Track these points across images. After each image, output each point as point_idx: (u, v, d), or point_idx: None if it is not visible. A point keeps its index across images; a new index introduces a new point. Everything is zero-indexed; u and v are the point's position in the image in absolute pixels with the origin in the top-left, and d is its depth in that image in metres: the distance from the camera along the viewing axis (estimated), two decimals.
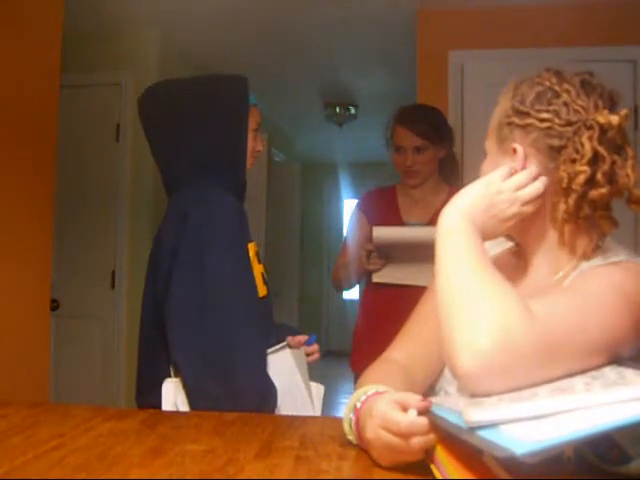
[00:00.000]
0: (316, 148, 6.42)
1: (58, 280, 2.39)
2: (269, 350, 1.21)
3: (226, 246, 1.16)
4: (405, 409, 0.64)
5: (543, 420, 0.51)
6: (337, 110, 4.60)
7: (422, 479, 0.62)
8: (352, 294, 7.36)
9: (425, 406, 0.62)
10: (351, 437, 0.73)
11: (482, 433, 0.52)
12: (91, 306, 3.00)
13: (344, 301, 7.33)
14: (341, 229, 7.42)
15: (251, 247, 1.24)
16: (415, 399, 0.64)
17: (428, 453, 0.62)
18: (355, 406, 0.73)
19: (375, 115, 4.84)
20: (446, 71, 2.70)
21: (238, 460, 0.68)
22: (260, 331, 1.15)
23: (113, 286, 2.98)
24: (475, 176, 0.87)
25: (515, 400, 0.55)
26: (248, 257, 1.21)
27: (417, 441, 0.61)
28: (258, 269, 1.27)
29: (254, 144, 1.37)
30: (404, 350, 0.94)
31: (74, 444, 0.72)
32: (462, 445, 0.56)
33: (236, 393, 1.03)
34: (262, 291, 1.26)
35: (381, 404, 0.66)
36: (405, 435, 0.61)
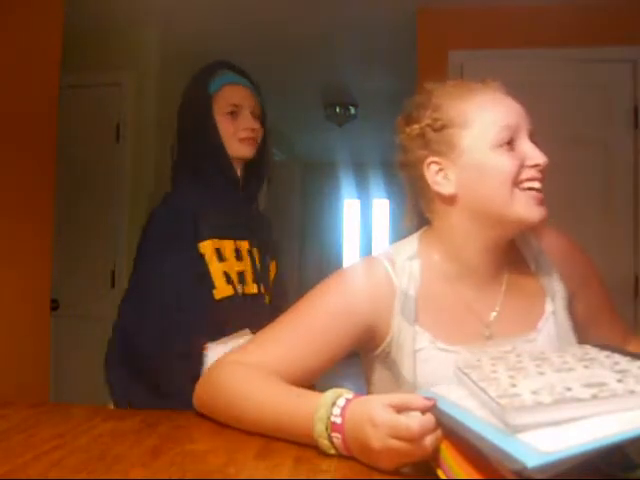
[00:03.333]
0: (316, 148, 6.42)
1: (58, 280, 2.39)
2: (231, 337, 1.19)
3: (159, 248, 1.18)
4: (400, 411, 0.62)
5: (561, 427, 0.50)
6: (337, 110, 4.60)
7: (423, 479, 0.62)
8: None
9: (432, 405, 0.61)
10: (332, 451, 0.68)
11: (494, 438, 0.50)
12: (91, 306, 2.99)
13: None
14: (341, 229, 7.43)
15: (207, 245, 1.21)
16: (418, 399, 0.63)
17: (434, 454, 0.61)
18: (334, 422, 0.67)
19: (375, 115, 4.86)
20: (446, 71, 2.70)
21: (238, 460, 0.68)
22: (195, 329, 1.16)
23: (113, 286, 2.98)
24: None
25: (554, 398, 0.52)
26: (193, 256, 1.19)
27: (430, 441, 0.60)
28: (219, 267, 1.22)
29: (233, 126, 1.30)
30: (281, 358, 0.85)
31: (74, 444, 0.72)
32: (467, 442, 0.55)
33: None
34: (224, 291, 1.22)
35: (380, 412, 0.63)
36: (418, 438, 0.60)
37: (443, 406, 0.61)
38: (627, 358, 0.62)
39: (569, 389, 0.53)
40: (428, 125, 0.89)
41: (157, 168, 3.10)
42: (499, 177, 0.83)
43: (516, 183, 0.83)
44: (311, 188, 6.81)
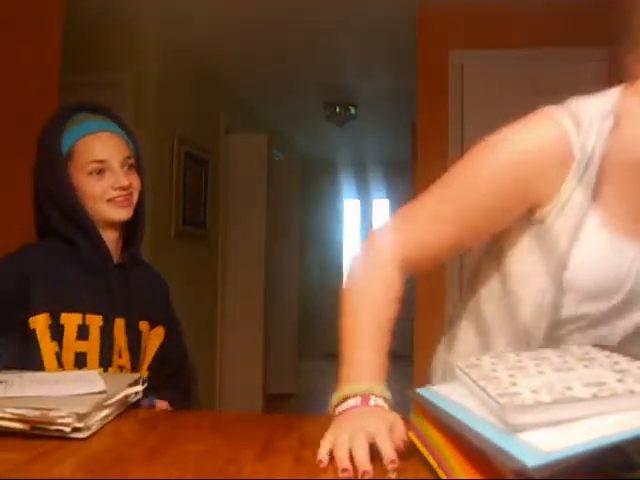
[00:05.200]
0: (316, 148, 6.43)
1: None
2: None
3: None
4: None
5: (561, 427, 0.50)
6: (337, 110, 4.61)
7: (423, 479, 0.62)
8: None
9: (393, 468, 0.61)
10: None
11: (494, 437, 0.50)
12: None
13: None
14: (341, 229, 7.44)
15: (40, 319, 1.05)
16: (390, 454, 0.61)
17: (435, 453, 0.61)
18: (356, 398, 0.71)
19: (375, 115, 4.87)
20: (446, 71, 2.70)
21: (238, 460, 0.68)
22: None
23: None
24: None
25: (554, 397, 0.52)
26: (18, 334, 1.04)
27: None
28: (51, 347, 1.05)
29: (100, 186, 1.11)
30: (424, 236, 0.82)
31: (74, 444, 0.72)
32: (467, 442, 0.55)
33: None
34: None
35: (380, 430, 0.64)
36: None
37: (443, 405, 0.61)
38: (627, 358, 0.62)
39: (569, 388, 0.53)
40: None
41: (157, 168, 3.10)
42: None
43: None
44: (311, 188, 6.81)
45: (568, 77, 2.62)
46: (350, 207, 7.51)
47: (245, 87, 4.16)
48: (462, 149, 2.63)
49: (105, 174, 1.11)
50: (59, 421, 0.73)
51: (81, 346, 1.08)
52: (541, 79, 2.62)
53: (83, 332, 1.08)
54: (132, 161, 1.16)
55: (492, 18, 2.70)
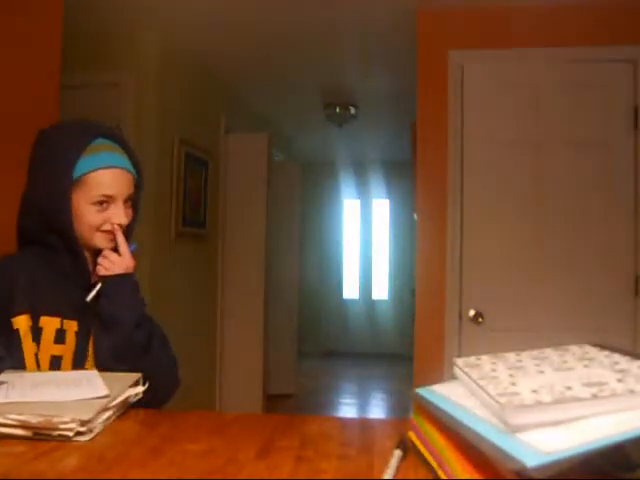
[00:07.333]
0: (316, 148, 6.43)
1: None
2: None
3: None
4: None
5: (561, 427, 0.50)
6: (337, 110, 4.61)
7: (423, 479, 0.62)
8: (352, 294, 7.37)
9: None
10: None
11: (494, 437, 0.50)
12: None
13: (344, 301, 7.33)
14: (341, 229, 7.44)
15: (21, 320, 1.08)
16: None
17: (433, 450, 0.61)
18: None
19: (375, 115, 4.88)
20: (446, 71, 2.70)
21: (238, 460, 0.68)
22: None
23: None
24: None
25: (554, 397, 0.52)
26: (4, 332, 1.06)
27: None
28: (31, 348, 1.08)
29: (101, 217, 1.14)
30: None
31: (74, 444, 0.72)
32: (467, 442, 0.55)
33: None
34: None
35: None
36: None
37: (443, 405, 0.61)
38: (627, 358, 0.62)
39: (569, 388, 0.53)
40: None
41: (157, 168, 3.10)
42: None
43: None
44: (311, 188, 6.81)
45: (568, 77, 2.62)
46: (350, 207, 7.51)
47: (245, 87, 4.16)
48: (462, 149, 2.63)
49: (108, 207, 1.15)
50: (62, 427, 0.73)
51: (57, 349, 1.11)
52: (541, 79, 2.62)
53: (60, 336, 1.11)
54: (132, 195, 1.19)
55: (492, 18, 2.70)
